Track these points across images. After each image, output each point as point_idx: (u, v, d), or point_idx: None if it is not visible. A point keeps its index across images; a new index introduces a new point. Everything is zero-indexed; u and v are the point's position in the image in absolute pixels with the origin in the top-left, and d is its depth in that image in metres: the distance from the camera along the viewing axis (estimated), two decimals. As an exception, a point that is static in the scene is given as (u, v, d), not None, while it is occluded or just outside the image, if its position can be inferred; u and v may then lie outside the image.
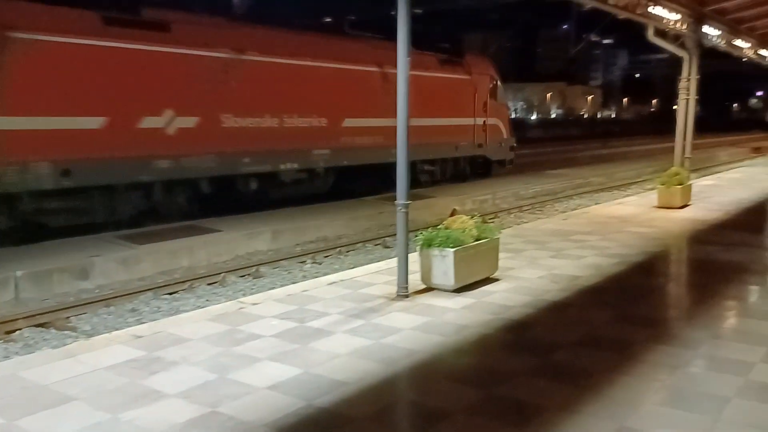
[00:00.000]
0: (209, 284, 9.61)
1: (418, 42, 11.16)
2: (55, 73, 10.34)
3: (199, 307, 8.02)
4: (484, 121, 19.96)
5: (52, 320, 8.01)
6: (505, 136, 21.35)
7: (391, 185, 7.67)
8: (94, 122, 10.84)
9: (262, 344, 5.11)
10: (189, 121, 12.18)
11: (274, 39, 13.86)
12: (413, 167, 16.31)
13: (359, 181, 16.17)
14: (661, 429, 3.72)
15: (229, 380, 4.40)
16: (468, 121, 19.32)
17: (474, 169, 20.59)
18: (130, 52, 11.26)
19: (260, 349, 4.98)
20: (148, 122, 11.60)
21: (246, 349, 4.99)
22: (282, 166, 13.95)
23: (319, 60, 14.39)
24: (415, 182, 16.21)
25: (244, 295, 8.66)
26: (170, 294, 9.17)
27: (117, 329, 7.00)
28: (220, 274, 9.93)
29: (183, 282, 9.52)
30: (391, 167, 6.73)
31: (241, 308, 6.12)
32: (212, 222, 12.31)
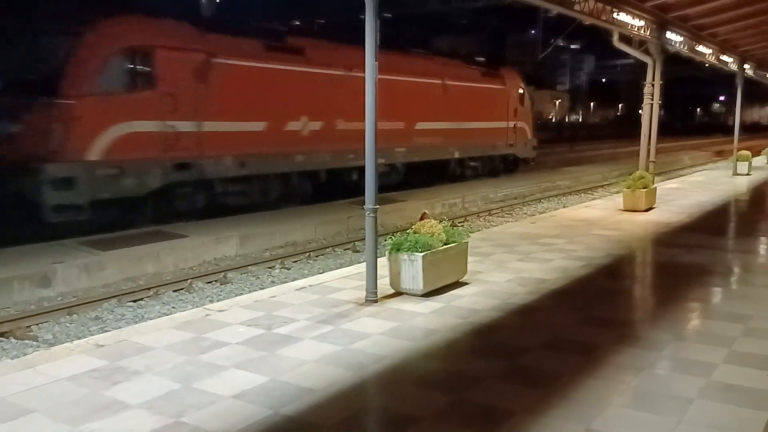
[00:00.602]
0: (175, 291, 9.47)
1: (465, 57, 15.63)
2: (236, 88, 13.58)
3: (165, 314, 7.91)
4: (515, 125, 23.46)
5: (12, 329, 7.80)
6: (529, 137, 24.87)
7: (444, 178, 13.06)
8: (258, 126, 14.36)
9: (228, 352, 5.03)
10: (316, 125, 15.65)
11: (358, 57, 15.65)
12: (461, 163, 21.28)
13: (422, 174, 19.62)
14: (626, 431, 3.76)
15: (193, 389, 4.32)
16: (503, 124, 22.82)
17: (505, 165, 23.91)
18: (280, 72, 14.63)
19: (226, 357, 4.91)
20: (291, 126, 15.10)
21: (211, 357, 4.90)
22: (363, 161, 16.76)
23: (400, 75, 17.61)
24: (462, 176, 21.14)
25: (210, 301, 8.57)
26: (135, 301, 9.01)
27: (79, 338, 6.89)
28: (186, 280, 9.79)
29: (148, 289, 9.37)
30: (446, 163, 11.87)
31: (207, 315, 6.02)
32: (179, 227, 12.14)
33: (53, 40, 11.90)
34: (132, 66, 12.18)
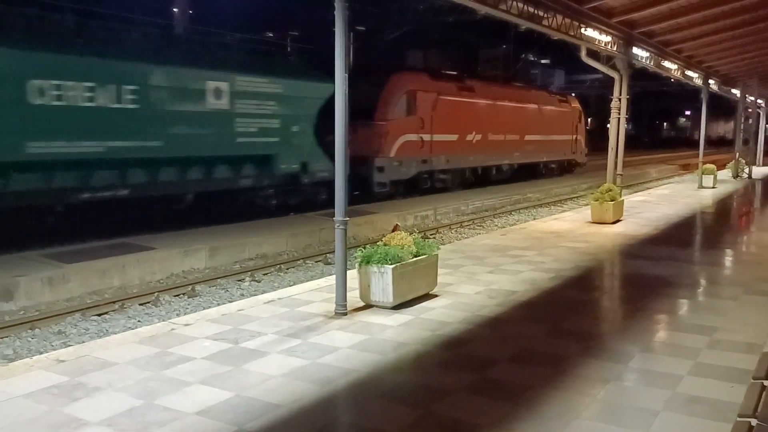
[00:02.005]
0: (141, 304, 9.30)
1: (547, 87, 31.88)
2: (446, 114, 21.11)
3: (130, 328, 7.76)
4: (576, 137, 31.15)
5: (-30, 345, 7.57)
6: (583, 147, 32.57)
7: (529, 176, 25.76)
8: (454, 137, 22.00)
9: (193, 367, 4.94)
10: (478, 137, 23.30)
11: (499, 91, 25.73)
12: (546, 165, 29.16)
13: (524, 172, 27.05)
14: (592, 444, 3.77)
15: (156, 406, 4.23)
16: (569, 137, 30.52)
17: (568, 168, 31.31)
18: (463, 103, 22.45)
19: (191, 373, 4.81)
20: (468, 137, 22.81)
21: (176, 373, 4.81)
22: (503, 162, 25.49)
23: (517, 102, 26.13)
24: (540, 174, 28.44)
25: (177, 315, 8.43)
26: (100, 315, 8.82)
27: (41, 353, 6.70)
28: (153, 293, 9.62)
29: (113, 302, 9.19)
30: (537, 164, 26.66)
31: (173, 329, 5.91)
32: (146, 239, 11.94)
33: (373, 87, 19.16)
34: (408, 102, 19.99)
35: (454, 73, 25.09)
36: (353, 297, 6.67)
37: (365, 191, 18.34)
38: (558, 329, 6.07)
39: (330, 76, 14.11)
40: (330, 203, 15.24)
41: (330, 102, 15.45)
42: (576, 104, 31.45)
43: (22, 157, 11.16)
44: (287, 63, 17.81)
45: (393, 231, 7.17)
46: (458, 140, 22.05)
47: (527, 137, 26.42)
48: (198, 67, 13.68)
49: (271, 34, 30.92)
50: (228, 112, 14.23)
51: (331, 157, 13.75)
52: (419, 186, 20.56)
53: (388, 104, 19.42)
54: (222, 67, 14.31)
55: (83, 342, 7.08)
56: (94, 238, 11.85)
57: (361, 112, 17.25)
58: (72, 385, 4.58)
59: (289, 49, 20.78)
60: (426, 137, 20.35)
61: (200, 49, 15.19)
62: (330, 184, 14.12)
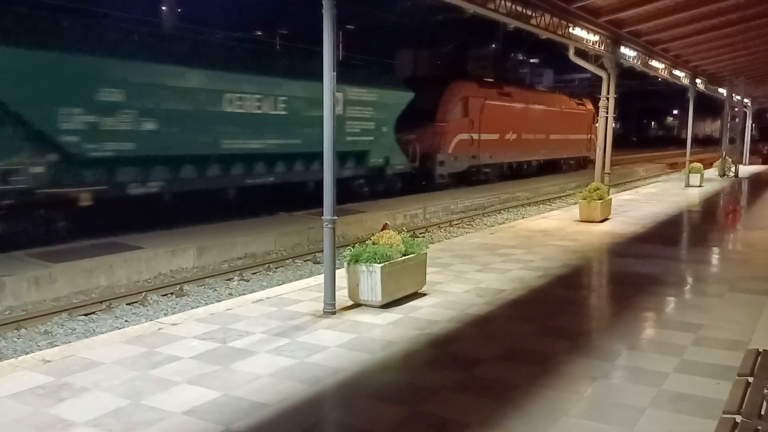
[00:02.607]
0: (129, 304, 9.25)
1: (570, 93, 33.61)
2: (489, 116, 24.15)
3: (117, 328, 7.71)
4: (590, 137, 32.48)
5: (-45, 345, 7.51)
6: (596, 145, 33.10)
7: (552, 170, 29.51)
8: (495, 136, 25.03)
9: (180, 367, 4.92)
10: (514, 136, 26.43)
11: (530, 96, 28.99)
12: (566, 161, 32.61)
13: (548, 166, 30.45)
14: (578, 441, 3.79)
15: (143, 406, 4.20)
16: (585, 136, 33.38)
17: (584, 164, 33.84)
18: (503, 107, 25.49)
19: (178, 372, 4.79)
20: (507, 137, 25.96)
21: (163, 373, 4.78)
22: (532, 158, 28.85)
23: (545, 105, 29.50)
24: (560, 169, 31.59)
25: (165, 314, 8.39)
26: (86, 315, 8.76)
27: (27, 353, 6.64)
28: (141, 293, 9.57)
29: (100, 302, 9.12)
30: (559, 160, 31.04)
31: (160, 329, 5.88)
32: (133, 238, 11.87)
33: (434, 94, 22.44)
34: (462, 107, 23.37)
35: (491, 80, 28.88)
36: (342, 296, 6.67)
37: (430, 181, 22.23)
38: (546, 327, 6.10)
39: (407, 85, 20.34)
40: (404, 191, 19.31)
41: (408, 107, 19.93)
42: (590, 106, 33.62)
43: (218, 151, 14.76)
44: (379, 76, 21.19)
45: (382, 230, 7.17)
46: (499, 139, 25.55)
47: (552, 136, 29.99)
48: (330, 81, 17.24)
49: (260, 33, 30.89)
50: (342, 116, 17.50)
51: (406, 153, 19.92)
52: (469, 178, 24.05)
53: (447, 108, 22.86)
54: (340, 80, 16.19)
55: (69, 342, 7.03)
56: (82, 237, 11.76)
57: (426, 115, 21.45)
58: (58, 385, 4.55)
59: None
60: (475, 136, 23.85)
61: (349, 67, 20.04)
62: (404, 175, 20.66)
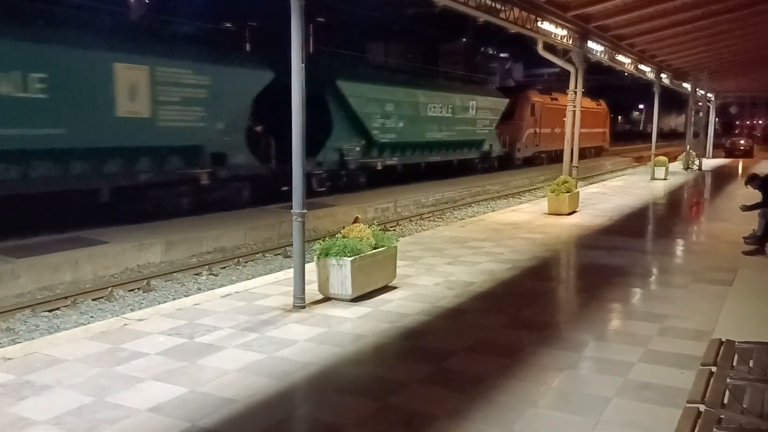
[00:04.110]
0: (94, 300, 9.07)
1: (590, 95, 33.17)
2: (544, 115, 32.00)
3: (82, 324, 7.55)
4: (605, 130, 43.14)
5: None
6: (607, 137, 45.03)
7: (579, 157, 16.72)
8: (548, 131, 32.70)
9: (146, 363, 4.83)
10: (558, 130, 30.07)
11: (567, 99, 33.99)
12: (585, 151, 35.83)
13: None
14: (546, 432, 3.82)
15: (107, 403, 4.12)
16: (600, 130, 41.91)
17: (600, 152, 42.15)
18: (552, 108, 32.10)
19: (143, 369, 4.71)
20: (555, 130, 32.08)
21: (128, 369, 4.70)
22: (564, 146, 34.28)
23: (564, 105, 34.61)
24: (584, 156, 33.35)
25: (132, 310, 8.23)
26: (51, 311, 8.57)
27: (-13, 351, 6.45)
28: (106, 288, 9.39)
29: (65, 298, 8.93)
30: (583, 149, 29.63)
31: (126, 325, 5.78)
32: (99, 233, 11.64)
33: (514, 99, 30.12)
34: (530, 109, 30.92)
35: (546, 89, 37.30)
36: (312, 290, 6.63)
37: (510, 161, 30.28)
38: (515, 319, 6.14)
39: (503, 93, 30.69)
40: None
41: (507, 108, 28.88)
42: (604, 106, 43.26)
43: (423, 139, 23.11)
44: (489, 88, 33.38)
45: (353, 223, 7.14)
46: (551, 132, 32.90)
47: (582, 130, 34.99)
48: (468, 94, 26.30)
49: (229, 24, 30.48)
50: (475, 117, 26.31)
51: (500, 143, 29.19)
52: (532, 162, 32.31)
53: (522, 111, 30.73)
54: (474, 92, 27.15)
55: (33, 339, 6.85)
56: (47, 231, 11.50)
57: (510, 115, 29.69)
58: (19, 383, 4.43)
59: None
60: (537, 131, 32.08)
61: (469, 83, 31.55)
62: (500, 159, 29.43)
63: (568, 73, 15.38)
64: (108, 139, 12.63)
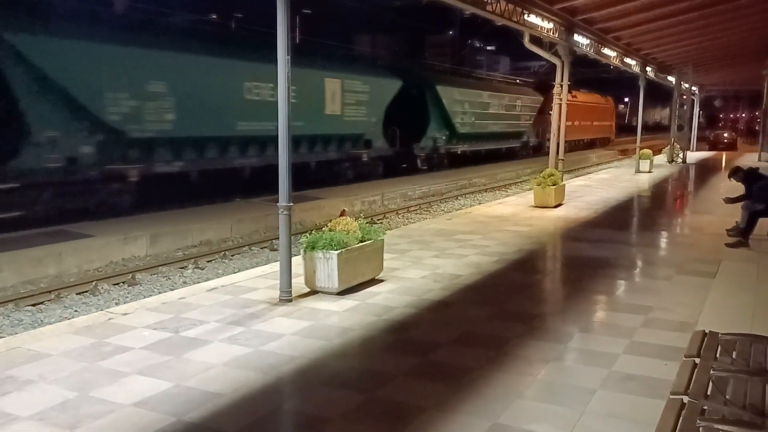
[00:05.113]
0: (79, 294, 8.99)
1: (599, 90, 45.78)
2: (568, 110, 23.45)
3: (66, 318, 7.49)
4: (611, 123, 49.41)
5: None
6: (614, 129, 50.69)
7: (590, 147, 42.84)
8: (570, 123, 24.17)
9: (131, 357, 4.80)
10: (576, 123, 35.36)
11: (582, 96, 39.33)
12: (595, 140, 45.03)
13: (585, 145, 41.83)
14: (531, 424, 3.84)
15: (91, 398, 4.09)
16: (609, 123, 48.17)
17: (607, 142, 47.26)
18: (573, 104, 27.86)
19: (128, 363, 4.67)
20: (575, 123, 34.47)
21: (112, 364, 4.66)
22: (585, 137, 41.07)
23: (589, 102, 41.64)
24: (594, 146, 44.04)
25: (116, 304, 8.18)
26: (34, 305, 8.48)
27: (-32, 346, 6.38)
28: (91, 282, 9.31)
29: (49, 292, 8.84)
30: (594, 140, 45.14)
31: (110, 319, 5.73)
32: (83, 226, 11.54)
33: (544, 96, 32.00)
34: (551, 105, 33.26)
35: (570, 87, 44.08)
36: (298, 283, 6.61)
37: (541, 149, 32.57)
38: (501, 311, 6.17)
39: (539, 91, 35.55)
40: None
41: (541, 105, 33.94)
42: (611, 102, 49.60)
43: (483, 130, 28.95)
44: (528, 88, 36.30)
45: (340, 216, 7.12)
46: (571, 125, 34.48)
47: (594, 123, 42.97)
48: (515, 93, 31.77)
49: (215, 16, 30.23)
50: (519, 113, 31.83)
51: (535, 134, 35.58)
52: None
53: (550, 105, 37.82)
54: (519, 92, 32.47)
55: (16, 334, 6.79)
56: (30, 225, 11.37)
57: (541, 110, 32.81)
58: (1, 378, 4.38)
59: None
60: (567, 123, 36.17)
61: (513, 85, 36.89)
62: (536, 148, 35.16)
63: (554, 66, 15.41)
64: (320, 129, 18.77)
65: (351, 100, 20.03)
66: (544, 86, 41.68)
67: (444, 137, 25.82)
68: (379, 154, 22.13)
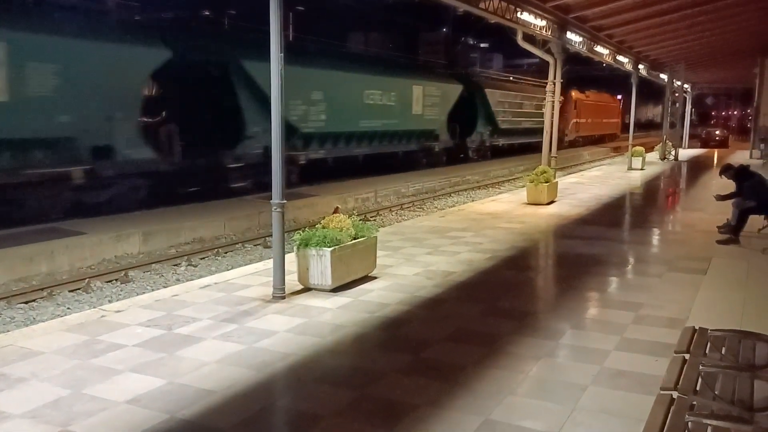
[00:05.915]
0: (71, 291, 8.97)
1: (608, 90, 51.72)
2: (583, 109, 42.60)
3: (58, 316, 7.48)
4: (618, 121, 53.26)
5: None
6: (620, 126, 54.18)
7: (599, 142, 47.63)
8: (584, 120, 42.98)
9: (124, 355, 4.80)
10: (589, 120, 44.13)
11: (593, 95, 46.19)
12: (604, 136, 49.95)
13: (594, 140, 46.48)
14: (523, 420, 3.87)
15: (83, 396, 4.09)
16: (616, 120, 52.93)
17: (613, 138, 50.86)
18: (587, 103, 43.30)
19: (121, 360, 4.68)
20: (589, 120, 44.04)
21: (105, 361, 4.66)
22: (596, 133, 46.25)
23: (601, 101, 47.71)
24: (602, 141, 48.01)
25: (109, 301, 8.17)
26: (26, 303, 8.46)
27: (-40, 344, 6.36)
28: (84, 279, 9.29)
29: (41, 289, 8.82)
30: (603, 136, 49.84)
31: (103, 316, 5.73)
32: (76, 224, 11.50)
33: (565, 96, 30.70)
34: (573, 104, 39.76)
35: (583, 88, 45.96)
36: (292, 280, 6.62)
37: (561, 143, 31.63)
38: (494, 308, 6.20)
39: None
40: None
41: (562, 104, 24.37)
42: (617, 101, 54.36)
43: (520, 126, 33.79)
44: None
45: (334, 213, 7.13)
46: (586, 122, 41.64)
47: (603, 120, 47.48)
48: (541, 95, 26.30)
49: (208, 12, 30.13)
50: (542, 111, 34.68)
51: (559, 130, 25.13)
52: (574, 144, 40.07)
53: (568, 105, 36.06)
54: (544, 93, 29.13)
55: (8, 331, 6.78)
56: (21, 223, 11.33)
57: (563, 108, 32.20)
58: (-7, 376, 4.38)
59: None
60: (578, 120, 40.63)
61: (539, 87, 32.03)
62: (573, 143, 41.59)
63: (547, 63, 15.45)
64: (409, 125, 23.69)
65: (429, 102, 24.86)
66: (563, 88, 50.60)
67: (488, 132, 30.34)
68: (444, 146, 26.75)
